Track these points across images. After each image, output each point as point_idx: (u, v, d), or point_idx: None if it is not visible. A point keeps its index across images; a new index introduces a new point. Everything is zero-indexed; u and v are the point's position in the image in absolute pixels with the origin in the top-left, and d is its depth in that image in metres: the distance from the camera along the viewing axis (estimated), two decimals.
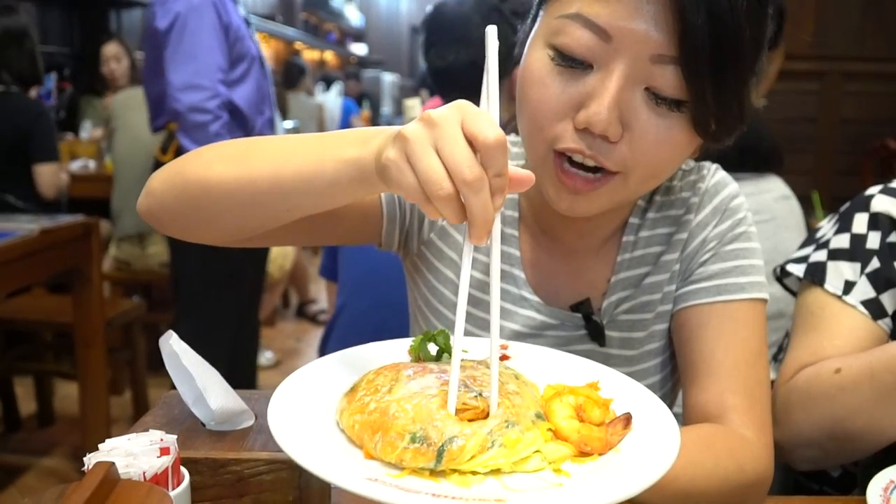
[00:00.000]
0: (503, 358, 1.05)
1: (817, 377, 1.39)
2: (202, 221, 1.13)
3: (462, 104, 0.81)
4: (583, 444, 0.85)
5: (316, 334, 5.88)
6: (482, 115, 0.78)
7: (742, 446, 1.15)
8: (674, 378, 1.38)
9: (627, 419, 0.87)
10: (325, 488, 1.14)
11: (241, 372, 3.73)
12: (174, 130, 3.37)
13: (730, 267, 1.26)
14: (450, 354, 1.00)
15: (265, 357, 5.08)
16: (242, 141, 1.12)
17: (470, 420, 0.84)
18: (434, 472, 0.80)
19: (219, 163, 1.09)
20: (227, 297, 3.60)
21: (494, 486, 0.79)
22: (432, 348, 1.02)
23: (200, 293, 3.57)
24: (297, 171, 1.00)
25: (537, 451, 0.83)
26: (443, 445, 0.79)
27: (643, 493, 0.81)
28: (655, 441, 0.84)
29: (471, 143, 0.77)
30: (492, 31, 0.82)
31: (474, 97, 0.86)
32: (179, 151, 3.36)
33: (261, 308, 4.12)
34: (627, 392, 0.94)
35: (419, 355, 1.01)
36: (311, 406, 0.89)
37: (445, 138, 0.79)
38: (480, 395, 0.86)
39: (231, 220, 1.11)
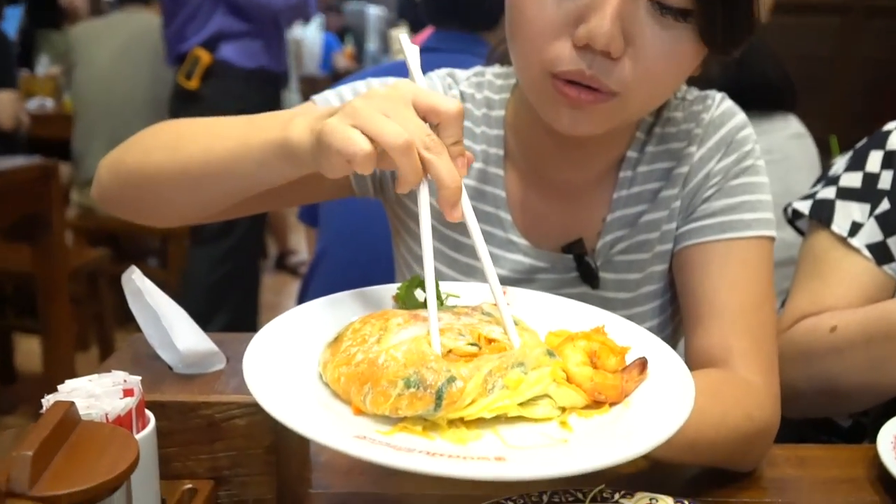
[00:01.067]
0: None
1: (813, 333, 1.40)
2: (152, 208, 1.20)
3: (403, 83, 0.87)
4: (596, 393, 0.85)
5: (297, 288, 5.88)
6: (434, 91, 0.87)
7: (749, 393, 1.16)
8: (674, 323, 1.39)
9: (643, 365, 0.88)
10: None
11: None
12: (198, 56, 3.69)
13: (735, 203, 1.26)
14: (441, 302, 1.00)
15: None
16: (179, 124, 1.16)
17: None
18: (427, 428, 0.79)
19: (156, 151, 1.15)
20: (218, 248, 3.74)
21: (493, 443, 0.79)
22: (420, 295, 1.01)
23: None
24: (225, 156, 1.05)
25: (546, 396, 0.83)
26: (441, 387, 0.78)
27: None
28: (667, 392, 0.84)
29: (424, 118, 0.84)
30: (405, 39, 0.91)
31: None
32: (212, 72, 3.70)
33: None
34: (635, 339, 0.95)
35: (405, 303, 1.01)
36: (291, 358, 0.89)
37: (397, 109, 0.84)
38: (475, 343, 0.86)
39: (178, 205, 1.17)
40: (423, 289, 0.99)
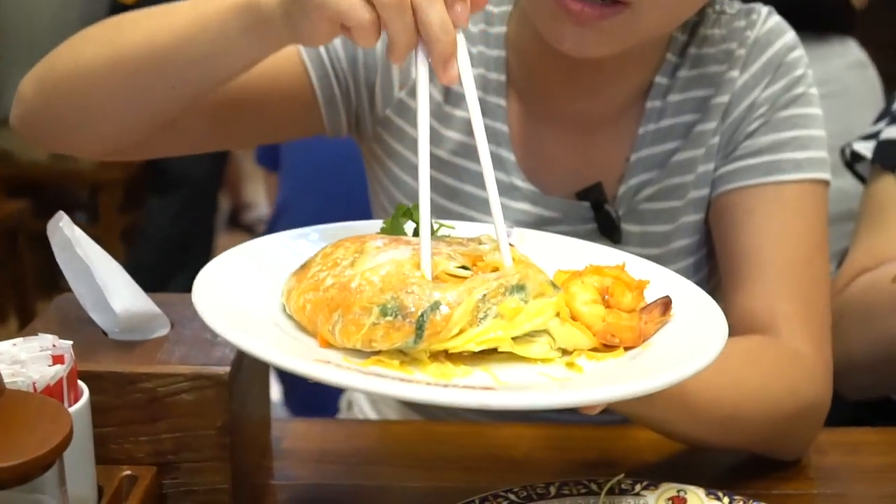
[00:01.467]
0: None
1: (873, 288, 1.41)
2: (80, 123, 1.18)
3: None
4: (608, 335, 0.87)
5: None
6: None
7: (795, 364, 1.18)
8: (710, 285, 1.40)
9: (666, 304, 0.89)
10: (264, 412, 1.17)
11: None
12: None
13: (784, 139, 1.26)
14: (432, 231, 1.01)
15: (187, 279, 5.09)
16: (118, 17, 1.15)
17: None
18: (406, 363, 0.81)
19: (88, 46, 1.13)
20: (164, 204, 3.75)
21: (482, 379, 0.80)
22: (409, 227, 1.02)
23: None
24: (176, 34, 1.04)
25: (545, 333, 0.85)
26: (423, 315, 0.79)
27: (677, 419, 0.84)
28: (695, 334, 0.86)
29: None
30: None
31: None
32: None
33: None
34: (660, 279, 0.96)
35: (391, 233, 1.01)
36: (250, 287, 0.91)
37: None
38: (466, 267, 0.87)
39: (112, 115, 1.15)
40: (414, 218, 1.00)
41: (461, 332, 0.81)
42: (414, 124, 1.33)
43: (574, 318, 0.87)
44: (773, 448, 1.18)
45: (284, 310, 0.89)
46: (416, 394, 0.72)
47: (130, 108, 1.14)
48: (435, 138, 1.31)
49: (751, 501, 1.00)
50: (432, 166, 1.34)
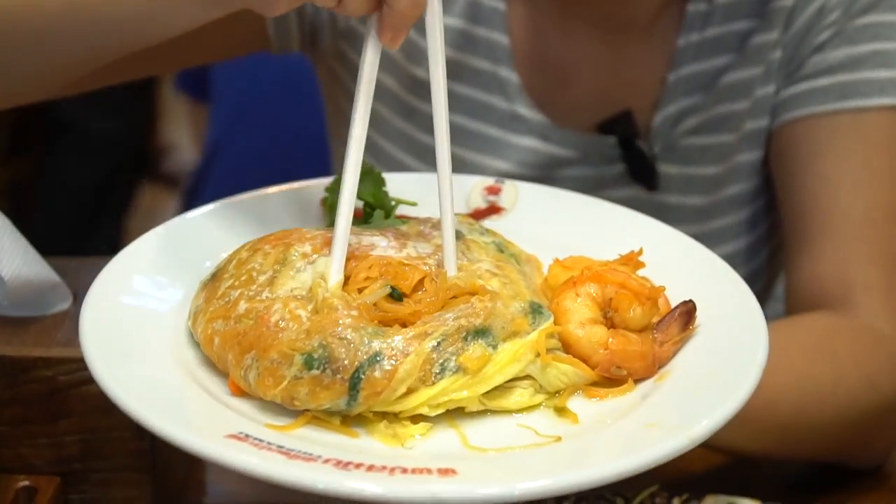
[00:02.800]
0: (493, 210, 1.10)
1: None
2: None
3: None
4: (613, 366, 0.87)
5: (175, 203, 5.81)
6: None
7: (876, 348, 1.20)
8: (770, 246, 1.44)
9: (688, 314, 0.89)
10: None
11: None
12: None
13: (862, 53, 1.28)
14: (384, 210, 1.04)
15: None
16: None
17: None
18: (348, 422, 0.82)
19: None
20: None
21: (446, 443, 0.81)
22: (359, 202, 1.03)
23: None
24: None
25: (527, 378, 0.86)
26: (358, 370, 0.80)
27: (721, 432, 0.85)
28: (727, 350, 0.87)
29: None
30: None
31: None
32: None
33: None
34: (688, 265, 0.98)
35: (334, 209, 1.03)
36: (151, 303, 0.92)
37: None
38: (398, 294, 0.87)
39: (17, 69, 1.18)
40: (361, 193, 1.00)
41: (410, 391, 0.82)
42: None
43: (567, 345, 0.88)
44: (845, 456, 1.21)
45: (190, 333, 0.90)
46: (345, 485, 0.70)
47: (37, 65, 1.17)
48: (415, 55, 1.34)
49: None
50: (412, 91, 1.37)
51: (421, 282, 0.88)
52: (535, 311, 0.88)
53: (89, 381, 0.97)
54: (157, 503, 1.04)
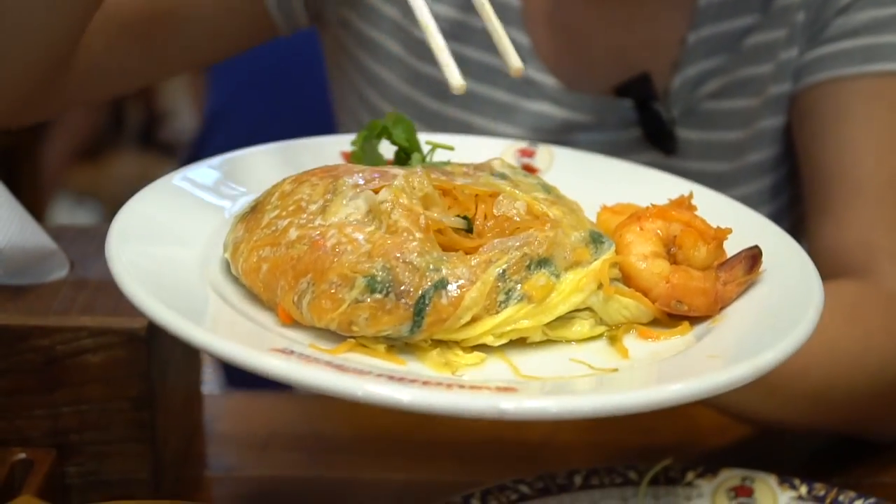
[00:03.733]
0: (528, 171, 1.07)
1: None
2: None
3: None
4: (673, 301, 0.86)
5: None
6: None
7: None
8: (793, 216, 1.43)
9: (754, 258, 0.89)
10: (194, 381, 1.19)
11: None
12: None
13: (888, 16, 1.28)
14: (420, 153, 1.02)
15: (86, 210, 5.08)
16: None
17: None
18: (393, 348, 0.80)
19: None
20: None
21: (498, 373, 0.80)
22: (387, 150, 1.03)
23: None
24: None
25: (588, 309, 0.85)
26: (424, 296, 0.79)
27: (751, 399, 0.84)
28: (784, 300, 0.86)
29: None
30: None
31: None
32: None
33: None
34: (738, 221, 0.96)
35: (364, 161, 1.02)
36: (184, 238, 0.91)
37: None
38: (466, 222, 0.86)
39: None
40: (393, 138, 1.00)
41: (474, 319, 0.81)
42: (390, 0, 1.34)
43: (628, 277, 0.87)
44: (874, 428, 1.21)
45: (228, 266, 0.88)
46: (407, 398, 0.68)
47: None
48: (422, 53, 1.33)
49: (835, 490, 1.03)
50: (415, 53, 1.35)
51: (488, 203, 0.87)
52: (596, 240, 0.87)
53: (87, 350, 0.98)
54: (156, 476, 1.03)
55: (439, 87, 1.34)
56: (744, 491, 1.04)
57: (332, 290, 0.79)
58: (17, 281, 1.03)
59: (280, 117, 2.37)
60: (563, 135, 1.33)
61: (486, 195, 0.88)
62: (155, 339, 1.00)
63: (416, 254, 0.80)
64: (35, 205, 4.09)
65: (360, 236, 0.82)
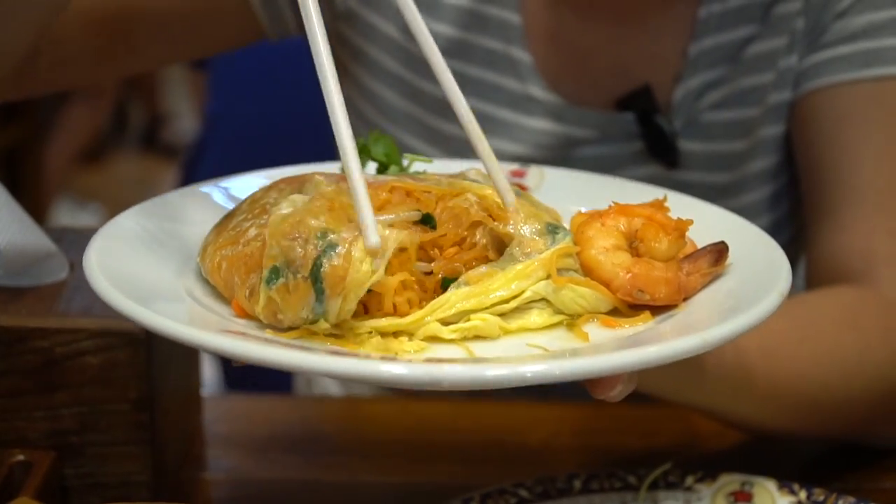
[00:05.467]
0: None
1: None
2: None
3: None
4: (635, 290, 0.86)
5: (174, 175, 5.82)
6: None
7: None
8: (794, 225, 1.43)
9: (720, 252, 0.89)
10: (193, 383, 1.20)
11: None
12: None
13: (886, 19, 1.27)
14: (399, 165, 1.03)
15: (88, 212, 5.09)
16: None
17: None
18: (342, 340, 0.81)
19: None
20: None
21: (451, 356, 0.81)
22: (372, 167, 1.04)
23: None
24: None
25: (543, 299, 0.85)
26: (315, 263, 0.79)
27: (744, 405, 0.84)
28: (751, 285, 0.86)
29: None
30: None
31: None
32: None
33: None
34: (723, 234, 0.95)
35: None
36: (160, 247, 0.92)
37: None
38: (427, 217, 0.86)
39: None
40: (373, 156, 1.01)
41: (411, 305, 0.81)
42: (388, 17, 1.34)
43: (589, 270, 0.87)
44: (871, 435, 1.21)
45: (200, 271, 0.90)
46: (371, 367, 0.70)
47: None
48: (419, 67, 1.32)
49: (834, 496, 1.03)
50: (414, 70, 1.36)
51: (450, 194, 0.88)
52: (552, 231, 0.88)
53: (86, 352, 0.98)
54: (156, 478, 1.03)
55: (440, 103, 1.33)
56: (743, 496, 1.05)
57: (256, 284, 0.82)
58: (17, 282, 1.03)
59: (280, 119, 2.38)
60: (565, 150, 1.33)
61: (449, 195, 0.88)
62: (154, 341, 1.00)
63: (300, 227, 0.81)
64: (37, 207, 4.11)
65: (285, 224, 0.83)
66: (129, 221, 0.93)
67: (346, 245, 0.79)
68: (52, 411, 1.00)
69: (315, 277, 0.79)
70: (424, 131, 1.38)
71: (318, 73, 0.86)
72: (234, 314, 0.85)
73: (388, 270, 0.81)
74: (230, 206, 0.97)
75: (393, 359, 0.76)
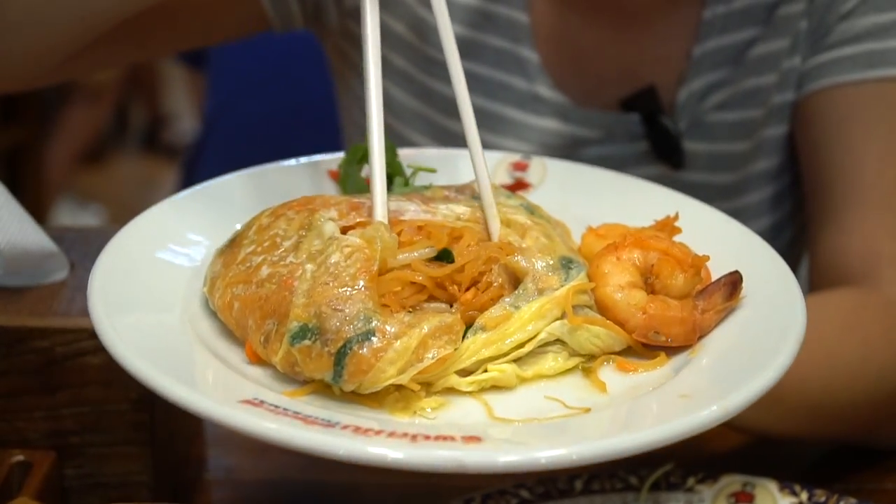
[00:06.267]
0: (520, 186, 1.08)
1: None
2: None
3: None
4: (650, 331, 0.86)
5: (175, 175, 5.83)
6: None
7: None
8: (795, 225, 1.43)
9: (733, 284, 0.88)
10: None
11: None
12: None
13: (889, 21, 1.27)
14: (402, 176, 1.03)
15: (88, 213, 5.09)
16: None
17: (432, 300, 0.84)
18: (365, 397, 0.79)
19: None
20: None
21: (471, 414, 0.80)
22: (368, 171, 1.01)
23: None
24: None
25: (559, 342, 0.84)
26: (345, 346, 0.77)
27: (748, 411, 0.83)
28: (765, 324, 0.85)
29: None
30: None
31: None
32: None
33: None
34: (723, 239, 0.96)
35: (346, 183, 1.03)
36: (164, 273, 0.91)
37: None
38: (447, 255, 0.85)
39: (10, 47, 1.19)
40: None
41: (401, 373, 0.78)
42: (400, 17, 1.35)
43: (604, 308, 0.87)
44: (873, 436, 1.21)
45: (206, 300, 0.89)
46: (366, 451, 0.68)
47: (27, 42, 1.18)
48: (425, 33, 1.33)
49: (835, 497, 1.03)
50: (423, 69, 1.36)
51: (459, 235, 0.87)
52: (566, 266, 0.87)
53: (87, 352, 0.98)
54: (157, 478, 1.03)
55: (448, 102, 1.30)
56: (744, 497, 1.05)
57: (282, 332, 0.80)
58: (17, 282, 1.03)
59: (279, 117, 2.38)
60: (571, 150, 1.33)
61: (459, 229, 0.88)
62: None
63: (349, 303, 0.79)
64: (37, 207, 4.11)
65: (310, 267, 0.82)
66: (130, 239, 0.92)
67: (383, 340, 0.78)
68: (52, 411, 1.00)
69: (339, 357, 0.77)
70: (432, 130, 1.39)
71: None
72: (246, 359, 0.84)
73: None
74: (224, 212, 0.97)
75: (421, 439, 0.72)
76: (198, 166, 2.61)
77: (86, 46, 1.25)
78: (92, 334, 0.96)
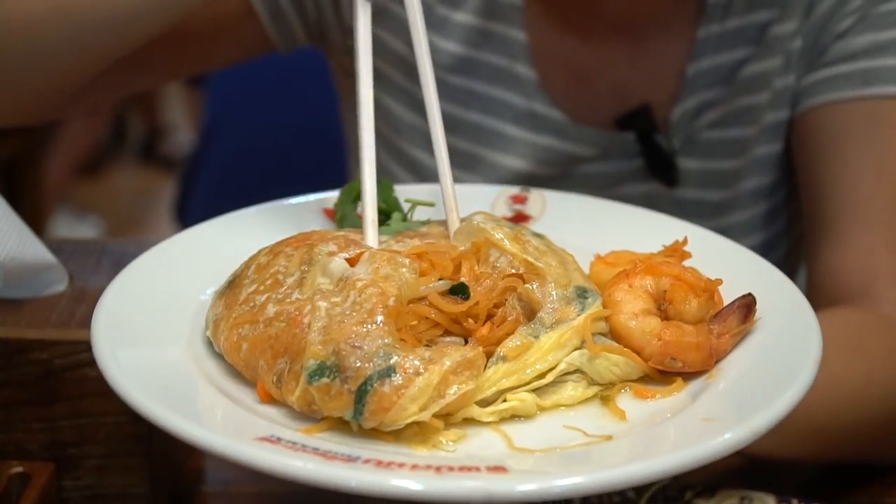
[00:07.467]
0: (520, 219, 1.08)
1: None
2: (17, 74, 1.22)
3: None
4: (667, 358, 0.85)
5: (172, 187, 5.81)
6: None
7: None
8: (789, 240, 1.43)
9: (748, 307, 0.88)
10: None
11: None
12: None
13: (886, 40, 1.28)
14: (400, 211, 1.03)
15: (86, 224, 5.09)
16: None
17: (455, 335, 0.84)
18: (386, 433, 0.79)
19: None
20: None
21: (490, 446, 0.79)
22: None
23: None
24: None
25: (577, 371, 0.84)
26: (366, 383, 0.77)
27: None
28: (781, 345, 0.86)
29: None
30: None
31: None
32: None
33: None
34: (729, 264, 0.96)
35: (343, 219, 1.04)
36: (166, 315, 0.91)
37: None
38: (463, 289, 0.85)
39: (51, 67, 1.20)
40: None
41: (423, 409, 0.77)
42: (397, 33, 1.35)
43: (619, 336, 0.86)
44: (876, 456, 1.21)
45: (211, 343, 0.89)
46: (389, 484, 0.68)
47: (70, 59, 1.19)
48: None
49: None
50: (420, 85, 1.36)
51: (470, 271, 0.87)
52: (581, 295, 0.86)
53: (85, 364, 0.98)
54: (155, 490, 1.03)
55: (447, 118, 1.31)
56: None
57: (297, 370, 0.79)
58: (16, 294, 1.04)
59: (276, 129, 2.38)
60: (567, 167, 1.34)
61: (468, 255, 0.88)
62: None
63: (368, 339, 0.79)
64: (36, 219, 4.11)
65: (324, 304, 0.82)
66: (120, 295, 0.92)
67: (405, 377, 0.77)
68: (50, 423, 1.00)
69: (360, 394, 0.77)
70: (430, 144, 1.39)
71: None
72: (257, 399, 0.83)
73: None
74: (228, 249, 0.98)
75: (445, 471, 0.71)
76: (195, 178, 2.61)
77: (93, 78, 1.26)
78: (90, 346, 0.96)
